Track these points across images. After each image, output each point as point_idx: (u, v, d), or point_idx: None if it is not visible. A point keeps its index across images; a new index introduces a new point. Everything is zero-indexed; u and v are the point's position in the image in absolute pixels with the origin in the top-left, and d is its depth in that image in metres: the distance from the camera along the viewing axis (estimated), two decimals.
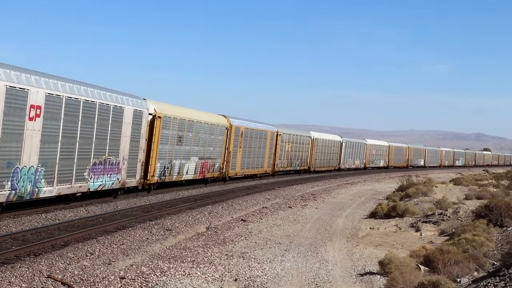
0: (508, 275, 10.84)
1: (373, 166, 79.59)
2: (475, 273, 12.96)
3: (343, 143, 68.08)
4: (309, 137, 58.68)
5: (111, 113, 23.72)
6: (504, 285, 10.36)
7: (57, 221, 19.07)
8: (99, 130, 22.99)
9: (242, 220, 22.58)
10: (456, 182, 48.12)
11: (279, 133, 49.26)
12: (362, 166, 75.37)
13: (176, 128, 30.55)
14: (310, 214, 26.05)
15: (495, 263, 13.36)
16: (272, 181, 44.21)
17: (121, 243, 16.30)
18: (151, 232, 18.31)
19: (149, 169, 28.14)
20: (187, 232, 18.97)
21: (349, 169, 70.41)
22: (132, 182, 26.58)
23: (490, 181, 50.62)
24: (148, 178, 28.12)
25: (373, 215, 26.41)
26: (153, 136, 28.14)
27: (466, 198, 31.85)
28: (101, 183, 23.61)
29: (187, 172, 32.79)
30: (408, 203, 28.54)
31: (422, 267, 13.96)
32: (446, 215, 23.93)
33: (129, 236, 17.36)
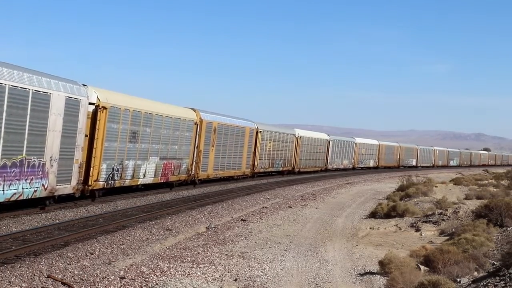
0: (508, 275, 10.84)
1: (362, 166, 75.47)
2: (475, 273, 12.96)
3: (330, 142, 63.82)
4: (293, 135, 54.20)
5: (30, 100, 18.56)
6: (504, 285, 10.36)
7: (57, 221, 19.07)
8: (10, 122, 17.84)
9: (242, 220, 22.58)
10: (456, 182, 48.12)
11: (259, 130, 44.86)
12: (351, 166, 71.03)
13: (129, 122, 25.40)
14: (310, 214, 26.05)
15: (495, 263, 13.36)
16: (272, 181, 44.16)
17: (121, 243, 16.30)
18: (151, 232, 18.32)
19: (91, 172, 23.07)
20: (187, 232, 18.98)
21: (336, 170, 66.14)
22: (66, 189, 21.42)
23: (490, 181, 50.60)
24: (90, 183, 23.11)
25: (373, 215, 26.41)
26: (96, 131, 23.13)
27: (466, 198, 31.85)
28: (15, 191, 18.35)
29: (144, 175, 27.62)
30: (408, 203, 28.54)
31: (422, 267, 13.96)
32: (446, 215, 23.94)
33: (129, 236, 17.37)
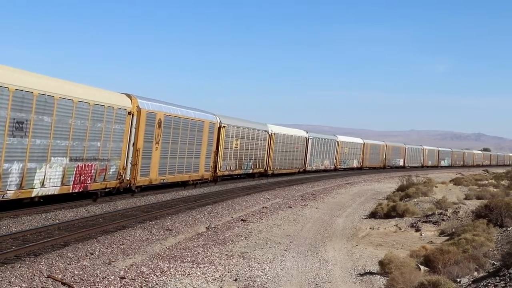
0: (508, 275, 10.84)
1: (345, 167, 68.83)
2: (475, 273, 12.96)
3: (309, 140, 56.97)
4: (266, 131, 46.84)
5: None
6: (504, 285, 10.36)
7: (57, 221, 19.06)
8: None
9: (242, 220, 22.57)
10: (456, 182, 48.14)
11: (222, 125, 37.28)
12: (333, 167, 64.42)
13: (8, 106, 17.87)
14: (310, 214, 26.05)
15: (495, 263, 13.36)
16: (272, 181, 44.12)
17: (121, 243, 16.30)
18: (151, 232, 18.31)
19: None
20: (187, 232, 18.97)
21: (317, 171, 59.60)
22: None
23: (490, 181, 50.62)
24: None
25: (373, 215, 26.41)
26: None
27: (466, 198, 31.86)
28: None
29: (43, 183, 19.97)
30: (408, 203, 28.54)
31: (422, 267, 13.95)
32: (446, 215, 23.93)
33: (129, 236, 17.36)
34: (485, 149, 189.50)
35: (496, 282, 10.70)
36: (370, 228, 22.76)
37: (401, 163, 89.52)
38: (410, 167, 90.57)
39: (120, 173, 25.38)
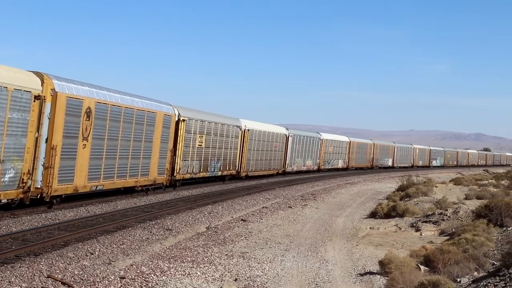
0: (508, 275, 10.84)
1: (329, 167, 63.57)
2: (475, 273, 12.95)
3: (289, 138, 51.39)
4: (238, 126, 40.82)
5: None
6: (504, 285, 10.36)
7: (57, 221, 19.07)
8: None
9: (242, 220, 22.58)
10: (456, 182, 48.17)
11: (182, 118, 31.15)
12: (316, 167, 59.29)
13: None
14: (310, 214, 26.05)
15: (495, 263, 13.35)
16: (272, 181, 44.11)
17: (121, 243, 16.30)
18: (151, 232, 18.32)
19: None
20: (187, 232, 18.97)
21: (298, 173, 54.44)
22: None
23: (490, 181, 50.66)
24: None
25: (373, 215, 26.41)
26: None
27: (466, 198, 31.86)
28: None
29: None
30: (408, 203, 28.54)
31: (422, 267, 13.95)
32: (446, 215, 23.93)
33: (129, 236, 17.37)
34: (485, 149, 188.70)
35: (496, 282, 10.70)
36: (370, 228, 22.76)
37: (390, 163, 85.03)
38: (400, 167, 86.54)
39: (22, 178, 18.99)
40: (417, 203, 29.04)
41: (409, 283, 11.88)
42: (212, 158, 36.17)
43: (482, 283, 10.94)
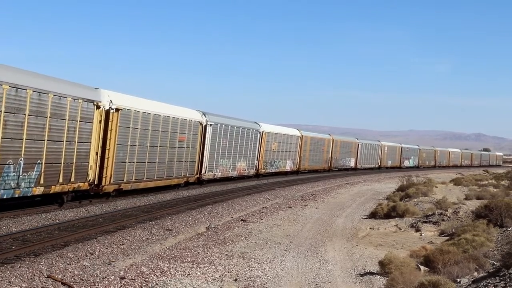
0: (508, 275, 10.84)
1: (274, 170, 49.28)
2: (475, 273, 12.95)
3: (209, 127, 34.36)
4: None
5: None
6: (504, 285, 10.36)
7: (57, 221, 19.07)
8: None
9: (242, 220, 22.57)
10: (456, 182, 48.26)
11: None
12: (252, 171, 44.13)
13: None
14: (310, 214, 26.05)
15: (495, 263, 13.36)
16: (272, 181, 44.08)
17: (121, 243, 16.30)
18: (151, 232, 18.31)
19: None
20: (187, 232, 18.97)
21: (222, 180, 39.03)
22: None
23: (490, 181, 50.75)
24: None
25: (373, 215, 26.40)
26: None
27: (466, 198, 31.86)
28: None
29: None
30: (408, 203, 28.54)
31: (422, 267, 13.95)
32: (446, 215, 23.93)
33: (129, 236, 17.36)
34: (485, 149, 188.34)
35: (496, 282, 10.69)
36: (370, 228, 22.76)
37: (352, 164, 70.91)
38: (364, 168, 73.74)
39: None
40: (417, 204, 29.04)
41: (409, 283, 11.88)
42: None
43: (482, 284, 10.94)
